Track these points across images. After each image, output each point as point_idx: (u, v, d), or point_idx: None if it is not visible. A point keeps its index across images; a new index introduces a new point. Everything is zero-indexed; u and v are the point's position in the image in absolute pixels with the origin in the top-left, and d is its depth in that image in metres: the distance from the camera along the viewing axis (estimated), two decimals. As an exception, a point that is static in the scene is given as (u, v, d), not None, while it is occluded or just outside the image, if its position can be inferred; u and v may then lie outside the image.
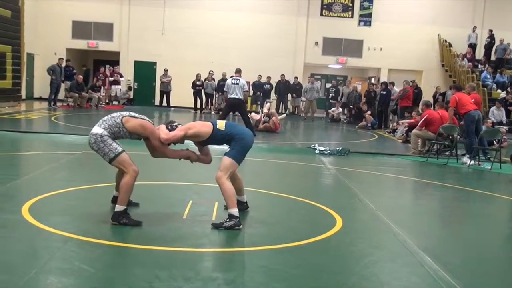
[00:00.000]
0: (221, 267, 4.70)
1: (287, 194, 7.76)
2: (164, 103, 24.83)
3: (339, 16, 26.53)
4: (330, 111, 23.52)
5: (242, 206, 6.36)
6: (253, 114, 17.31)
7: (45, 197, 6.55)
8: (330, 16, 26.53)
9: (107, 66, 25.68)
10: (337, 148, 12.69)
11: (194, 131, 5.85)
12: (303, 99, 24.21)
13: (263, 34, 25.75)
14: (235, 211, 5.69)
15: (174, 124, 5.92)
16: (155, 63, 26.11)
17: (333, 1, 26.46)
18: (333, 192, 8.92)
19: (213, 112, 23.62)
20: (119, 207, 5.57)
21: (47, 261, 4.52)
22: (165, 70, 24.73)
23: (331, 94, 24.30)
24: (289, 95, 25.08)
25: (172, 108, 24.39)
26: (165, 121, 6.09)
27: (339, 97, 23.94)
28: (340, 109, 23.44)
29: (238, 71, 14.94)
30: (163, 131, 5.80)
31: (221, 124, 5.94)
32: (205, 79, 23.96)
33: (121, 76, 24.71)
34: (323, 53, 26.76)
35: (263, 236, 5.68)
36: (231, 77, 14.56)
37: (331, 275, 4.69)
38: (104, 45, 26.37)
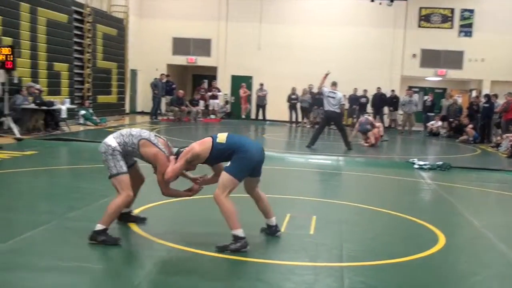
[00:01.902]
0: (321, 282, 4.64)
1: (385, 209, 7.58)
2: (260, 117, 25.10)
3: (438, 27, 25.77)
4: (428, 124, 22.83)
5: (271, 230, 5.79)
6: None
7: (149, 207, 6.78)
8: (429, 27, 25.84)
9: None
10: (437, 163, 12.27)
11: (192, 154, 5.30)
12: (400, 112, 23.69)
13: (359, 47, 25.48)
14: (239, 231, 5.18)
15: (181, 150, 5.45)
16: (251, 77, 26.48)
17: (431, 12, 25.79)
18: (434, 208, 8.62)
19: (308, 126, 23.59)
20: (100, 226, 5.25)
21: (151, 270, 4.67)
22: (261, 84, 25.03)
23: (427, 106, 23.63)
24: (385, 108, 24.62)
25: (268, 122, 24.60)
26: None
27: (439, 110, 23.25)
28: (440, 123, 22.70)
29: (334, 84, 14.84)
30: (169, 168, 5.35)
31: (221, 137, 5.36)
32: (302, 93, 23.98)
33: (219, 91, 25.27)
34: (421, 65, 26.06)
35: (361, 251, 5.58)
36: (329, 91, 14.48)
37: (434, 294, 4.53)
38: (202, 61, 27.09)
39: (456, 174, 11.73)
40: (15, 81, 14.57)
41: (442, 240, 6.03)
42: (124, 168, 5.36)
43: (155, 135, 5.58)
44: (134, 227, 5.86)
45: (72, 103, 17.92)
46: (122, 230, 5.78)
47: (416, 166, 12.14)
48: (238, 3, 26.29)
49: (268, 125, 23.75)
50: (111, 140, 5.44)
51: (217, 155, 5.33)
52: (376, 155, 14.39)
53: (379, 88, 24.04)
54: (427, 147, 18.39)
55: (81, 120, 18.31)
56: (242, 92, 25.34)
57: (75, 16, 19.23)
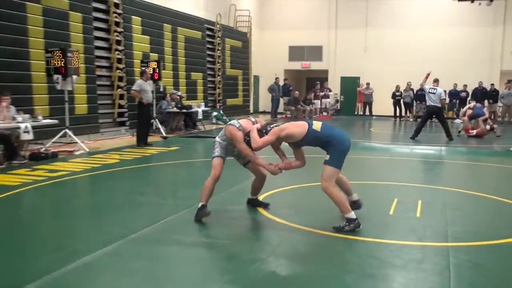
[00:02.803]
0: (428, 259, 4.47)
1: (488, 194, 7.13)
2: (367, 113, 24.68)
3: (538, 23, 23.77)
4: (528, 115, 21.17)
5: (356, 204, 5.66)
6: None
7: (274, 192, 6.89)
8: (528, 23, 23.91)
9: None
10: (538, 151, 11.38)
11: (287, 133, 5.16)
12: (500, 104, 22.20)
13: (458, 46, 24.13)
14: (351, 214, 5.16)
15: (271, 126, 5.29)
16: (358, 78, 26.01)
17: (531, 7, 23.80)
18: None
19: (411, 119, 22.80)
20: (200, 204, 5.48)
21: (278, 245, 4.76)
22: (367, 83, 24.57)
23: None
24: (485, 102, 23.14)
25: (374, 117, 24.08)
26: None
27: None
28: (540, 113, 20.97)
29: (436, 81, 14.35)
30: (254, 138, 5.23)
31: (317, 125, 5.18)
32: (404, 90, 23.24)
33: (330, 91, 25.12)
34: (521, 60, 24.20)
35: (466, 232, 5.29)
36: (429, 88, 13.95)
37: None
38: (315, 65, 27.01)
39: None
40: (161, 89, 15.37)
41: (546, 224, 5.60)
42: (216, 153, 5.51)
43: (238, 120, 5.60)
44: (260, 210, 5.99)
45: (206, 106, 18.59)
46: (251, 212, 5.94)
47: (517, 154, 11.34)
48: (346, 12, 25.93)
49: (374, 120, 23.25)
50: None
51: (311, 140, 5.21)
52: (477, 145, 13.61)
53: (481, 82, 22.68)
54: (527, 136, 17.07)
55: (214, 120, 18.99)
56: (361, 89, 24.99)
57: (208, 32, 19.91)
